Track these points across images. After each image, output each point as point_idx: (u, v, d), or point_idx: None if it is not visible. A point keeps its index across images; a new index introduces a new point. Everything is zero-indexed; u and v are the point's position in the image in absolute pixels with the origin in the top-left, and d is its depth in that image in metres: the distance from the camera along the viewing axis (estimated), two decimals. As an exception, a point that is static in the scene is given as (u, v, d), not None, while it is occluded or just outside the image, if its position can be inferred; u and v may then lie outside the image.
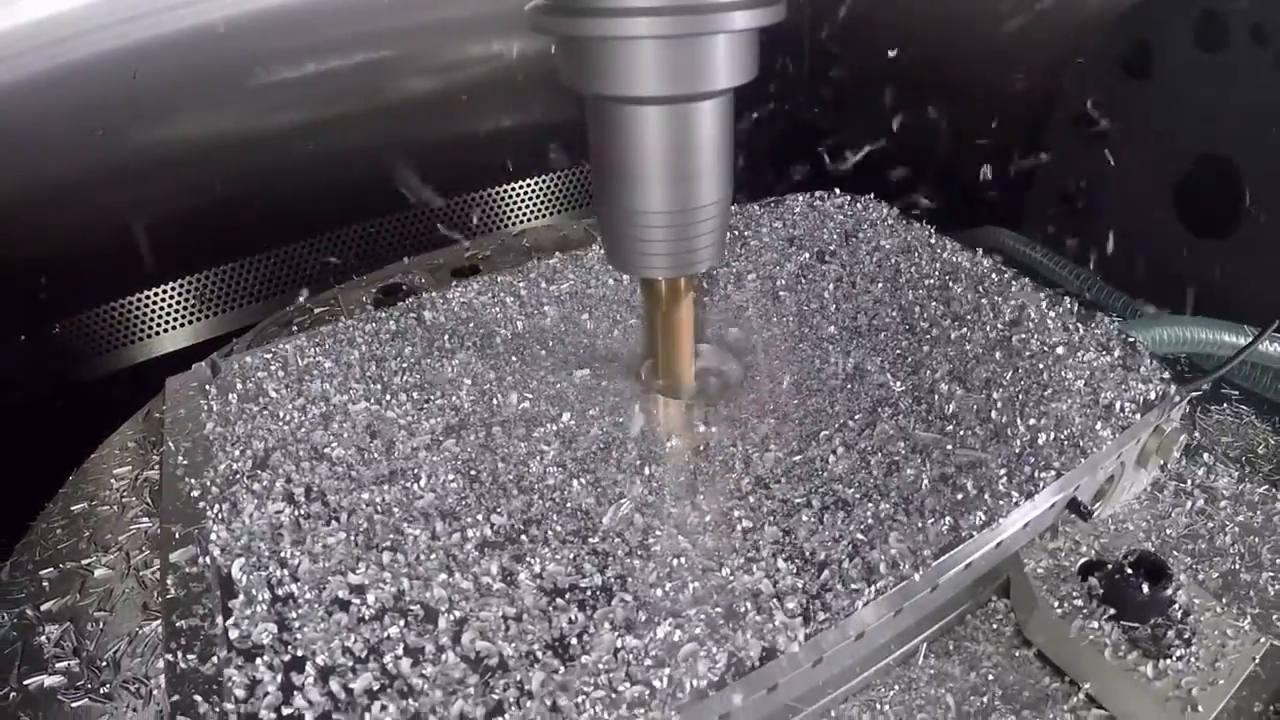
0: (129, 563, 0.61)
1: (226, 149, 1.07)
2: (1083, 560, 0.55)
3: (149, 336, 1.11)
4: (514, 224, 1.32)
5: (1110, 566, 0.53)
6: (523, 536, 0.50)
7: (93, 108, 0.98)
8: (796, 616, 0.44)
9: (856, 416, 0.58)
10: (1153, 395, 0.59)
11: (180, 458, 0.58)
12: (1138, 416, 0.58)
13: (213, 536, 0.51)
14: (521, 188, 1.32)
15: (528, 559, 0.48)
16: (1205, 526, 0.61)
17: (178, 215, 1.07)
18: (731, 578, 0.46)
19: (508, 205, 1.32)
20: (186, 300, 1.12)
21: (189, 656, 0.44)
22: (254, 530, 0.51)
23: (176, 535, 0.52)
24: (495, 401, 0.61)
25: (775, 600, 0.44)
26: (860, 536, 0.48)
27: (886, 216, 0.83)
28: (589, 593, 0.46)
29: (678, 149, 0.48)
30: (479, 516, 0.51)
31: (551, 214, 1.35)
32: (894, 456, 0.54)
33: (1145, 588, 0.51)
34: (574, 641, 0.43)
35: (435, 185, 1.25)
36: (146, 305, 1.10)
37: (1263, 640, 0.51)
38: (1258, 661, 0.51)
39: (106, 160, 1.01)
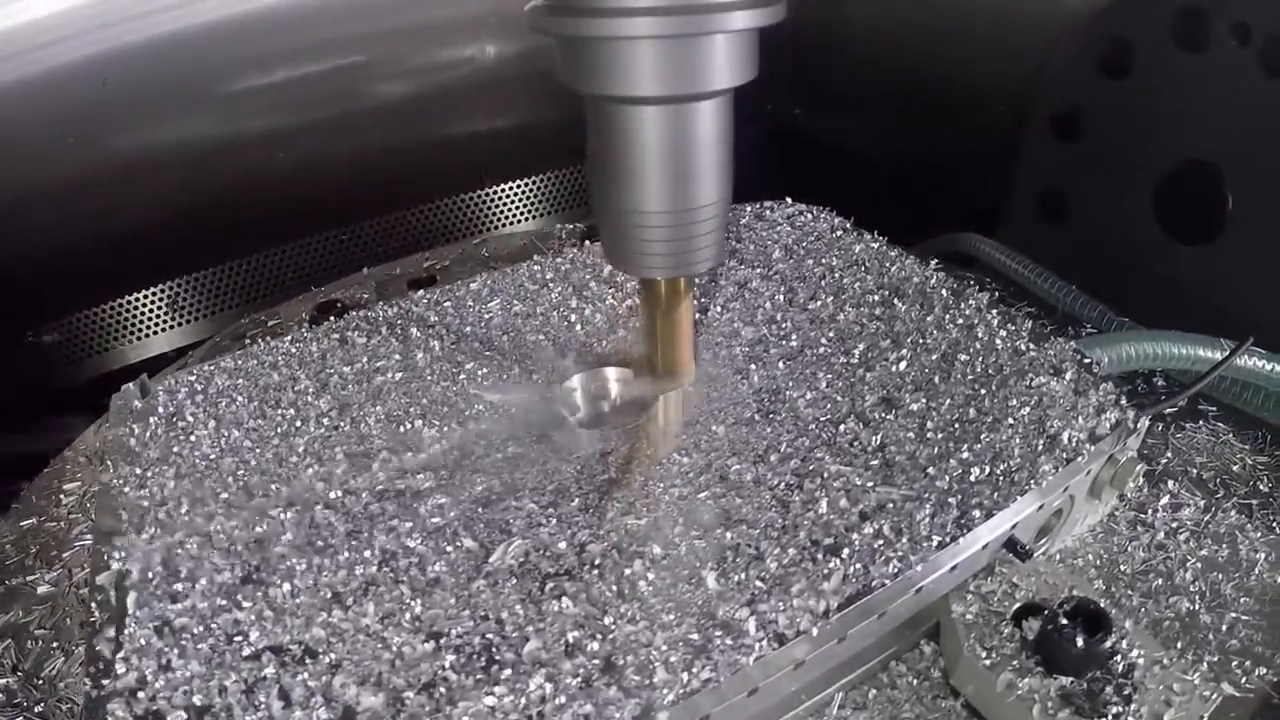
0: (71, 580, 0.61)
1: (206, 154, 1.07)
2: (1018, 604, 0.51)
3: (128, 343, 1.11)
4: (493, 228, 1.30)
5: (1045, 615, 0.49)
6: (405, 576, 0.47)
7: (67, 114, 0.98)
8: (677, 673, 0.41)
9: (774, 450, 0.55)
10: (1105, 423, 0.55)
11: (113, 478, 0.57)
12: (1087, 447, 0.53)
13: (114, 565, 0.49)
14: (499, 192, 1.30)
15: (407, 600, 0.46)
16: (1164, 562, 0.57)
17: (156, 221, 1.07)
18: (613, 628, 0.43)
19: (486, 210, 1.30)
20: (166, 306, 1.12)
21: (103, 681, 0.43)
22: (151, 560, 0.50)
23: (104, 557, 0.51)
24: (403, 429, 0.58)
25: (656, 654, 0.42)
26: (759, 584, 0.45)
27: (837, 228, 0.78)
28: (462, 638, 0.44)
29: (677, 149, 0.48)
30: (366, 554, 0.49)
31: (533, 218, 1.33)
32: (809, 495, 0.51)
33: (1080, 640, 0.47)
34: (441, 690, 0.41)
35: (412, 189, 1.24)
36: (125, 311, 1.10)
37: (1214, 695, 0.47)
38: (1207, 719, 0.47)
39: (83, 166, 1.01)
